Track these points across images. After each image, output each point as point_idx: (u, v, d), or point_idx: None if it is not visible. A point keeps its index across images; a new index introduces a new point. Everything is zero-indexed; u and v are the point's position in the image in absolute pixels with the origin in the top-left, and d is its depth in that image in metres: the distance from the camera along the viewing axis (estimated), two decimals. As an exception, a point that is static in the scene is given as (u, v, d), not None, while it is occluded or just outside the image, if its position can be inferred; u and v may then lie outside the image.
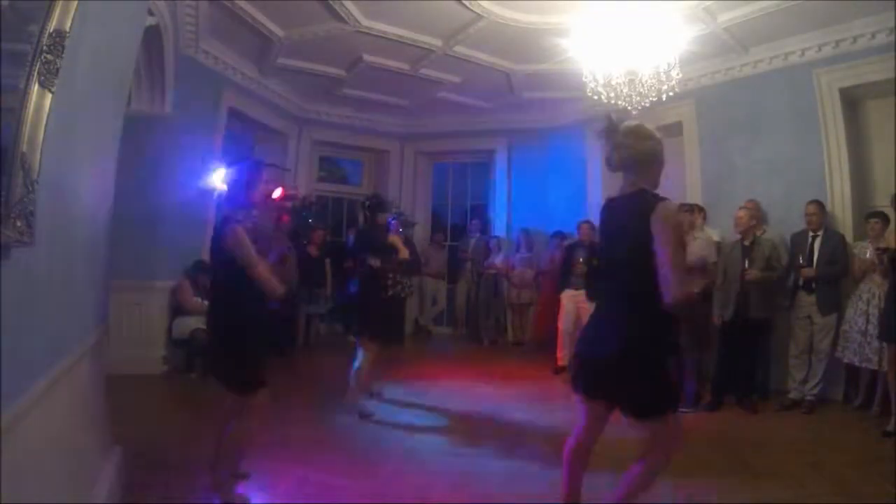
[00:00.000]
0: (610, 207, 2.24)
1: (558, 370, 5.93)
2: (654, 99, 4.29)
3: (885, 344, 3.96)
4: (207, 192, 5.84)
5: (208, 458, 2.71)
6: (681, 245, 2.09)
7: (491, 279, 7.72)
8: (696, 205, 5.38)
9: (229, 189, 2.71)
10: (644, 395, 2.00)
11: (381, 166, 8.88)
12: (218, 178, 5.55)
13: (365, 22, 5.31)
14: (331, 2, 4.91)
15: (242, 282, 2.50)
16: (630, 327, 2.01)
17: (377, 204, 4.44)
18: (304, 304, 6.84)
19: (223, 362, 2.66)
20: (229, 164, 2.81)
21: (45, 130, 1.36)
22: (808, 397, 4.53)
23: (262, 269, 2.53)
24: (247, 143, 7.34)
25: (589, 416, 2.24)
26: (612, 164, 2.19)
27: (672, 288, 1.89)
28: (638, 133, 2.14)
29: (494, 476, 3.11)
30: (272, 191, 2.83)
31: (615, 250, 2.17)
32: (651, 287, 1.94)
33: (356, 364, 4.20)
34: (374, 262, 4.18)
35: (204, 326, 5.32)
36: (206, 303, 5.49)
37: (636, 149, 2.11)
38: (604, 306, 2.24)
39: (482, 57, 6.09)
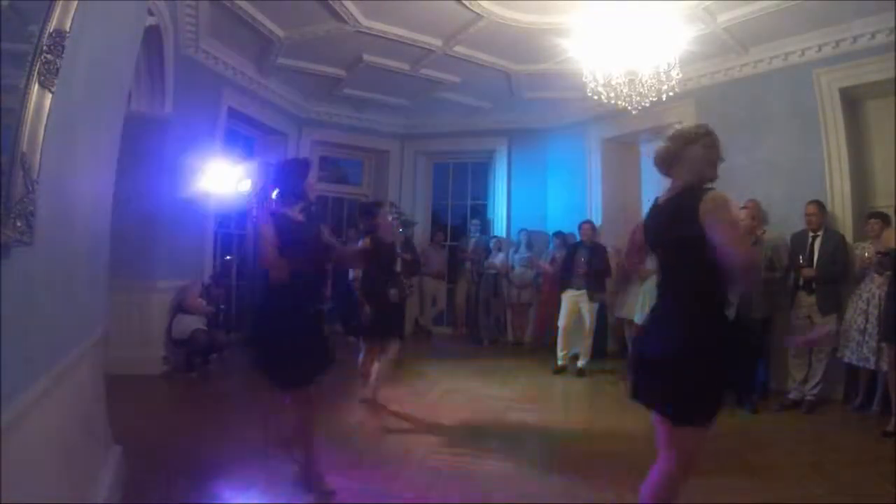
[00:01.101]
0: (655, 209, 2.20)
1: (558, 370, 5.93)
2: (654, 99, 4.29)
3: (884, 344, 3.97)
4: (208, 193, 5.85)
5: (298, 459, 2.82)
6: (736, 222, 2.07)
7: (491, 279, 7.73)
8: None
9: (282, 187, 2.80)
10: (689, 398, 1.92)
11: (381, 166, 8.87)
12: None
13: (365, 22, 5.30)
14: (331, 2, 4.91)
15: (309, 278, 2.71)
16: (688, 327, 1.95)
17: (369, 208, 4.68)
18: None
19: (282, 361, 2.64)
20: (273, 163, 2.99)
21: (45, 130, 1.36)
22: (808, 397, 4.53)
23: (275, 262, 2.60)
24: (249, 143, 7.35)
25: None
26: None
27: (738, 256, 1.83)
28: (672, 136, 2.18)
29: (494, 476, 3.11)
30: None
31: (666, 250, 2.10)
32: (708, 285, 1.95)
33: (379, 360, 4.39)
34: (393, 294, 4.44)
35: (203, 327, 5.37)
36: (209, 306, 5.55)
37: (669, 150, 2.13)
38: (662, 307, 2.12)
39: (482, 57, 6.08)
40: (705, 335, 1.94)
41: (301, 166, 2.87)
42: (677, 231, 2.00)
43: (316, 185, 2.97)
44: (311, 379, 2.74)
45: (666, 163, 2.14)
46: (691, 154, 2.08)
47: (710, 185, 2.06)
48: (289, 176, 2.81)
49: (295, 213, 2.76)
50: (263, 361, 2.73)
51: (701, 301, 1.97)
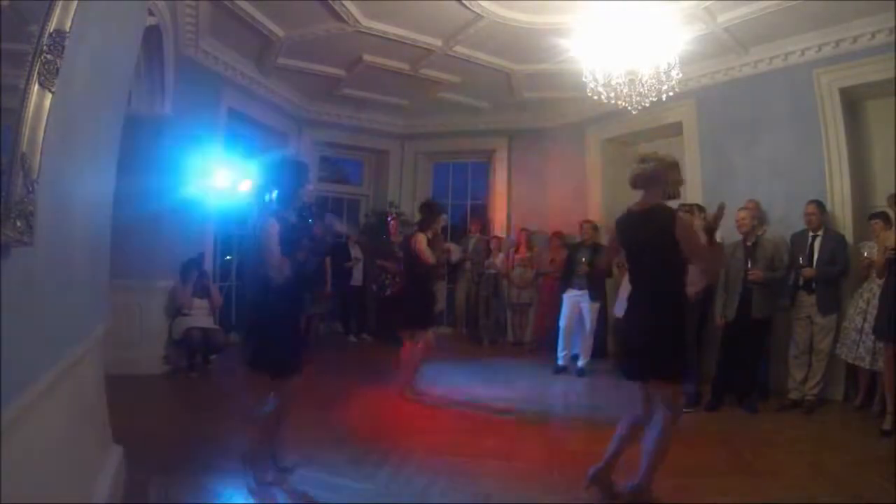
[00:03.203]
0: (629, 220, 2.77)
1: (558, 370, 5.93)
2: (654, 99, 4.29)
3: (880, 343, 3.97)
4: (208, 192, 5.84)
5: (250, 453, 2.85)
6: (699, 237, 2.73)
7: (491, 279, 7.72)
8: (696, 205, 5.36)
9: (279, 188, 2.85)
10: (674, 362, 2.60)
11: (381, 166, 8.87)
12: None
13: (365, 22, 5.30)
14: (331, 2, 4.90)
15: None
16: (663, 316, 2.58)
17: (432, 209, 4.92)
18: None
19: (264, 349, 2.76)
20: (269, 164, 3.06)
21: (45, 130, 1.36)
22: (808, 397, 4.53)
23: (278, 262, 2.68)
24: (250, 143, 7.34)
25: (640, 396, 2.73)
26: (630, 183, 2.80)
27: (710, 266, 3.11)
28: (641, 157, 2.75)
29: (494, 476, 3.11)
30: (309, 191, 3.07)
31: (644, 257, 2.68)
32: (675, 285, 2.66)
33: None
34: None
35: (200, 326, 5.35)
36: (203, 300, 5.54)
37: (637, 170, 2.71)
38: (639, 303, 2.72)
39: (482, 57, 6.08)
40: (681, 314, 2.69)
41: (300, 171, 2.95)
42: (656, 242, 2.60)
43: (311, 189, 3.08)
44: (295, 369, 2.81)
45: (646, 182, 2.70)
46: (670, 178, 2.71)
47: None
48: (285, 179, 2.88)
49: (290, 214, 2.85)
50: (255, 351, 2.85)
51: (667, 296, 2.65)
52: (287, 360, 2.78)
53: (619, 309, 6.07)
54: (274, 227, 2.69)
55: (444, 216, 5.16)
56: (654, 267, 2.63)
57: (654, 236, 2.61)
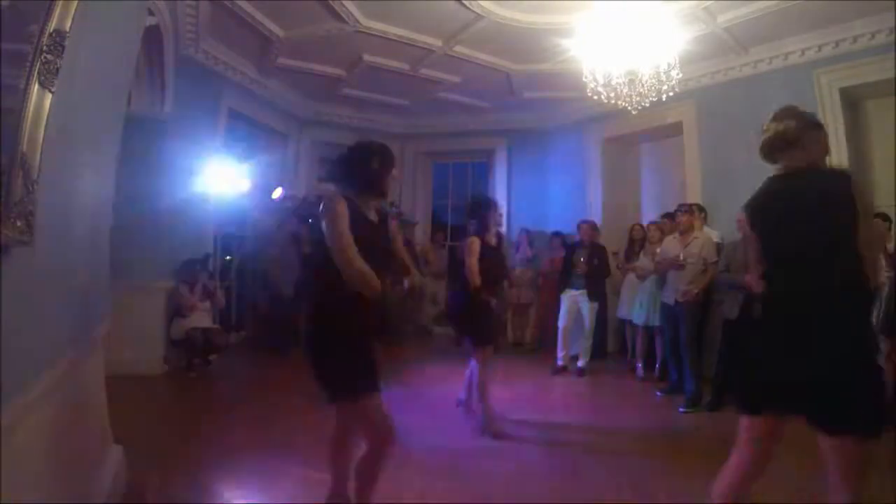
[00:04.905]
0: (768, 195, 2.02)
1: (558, 370, 5.93)
2: (654, 99, 4.29)
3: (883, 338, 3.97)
4: (208, 193, 5.85)
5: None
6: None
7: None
8: (696, 204, 5.38)
9: (356, 175, 2.29)
10: (864, 403, 1.71)
11: (381, 166, 8.87)
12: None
13: (365, 22, 5.30)
14: (331, 2, 4.90)
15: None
16: (846, 326, 1.73)
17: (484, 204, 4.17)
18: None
19: (325, 363, 2.20)
20: (349, 150, 2.37)
21: (45, 130, 1.36)
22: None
23: (354, 252, 2.08)
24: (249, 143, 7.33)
25: (760, 440, 2.03)
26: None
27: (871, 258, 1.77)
28: (773, 116, 2.06)
29: (494, 476, 3.11)
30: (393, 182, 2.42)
31: (803, 239, 1.84)
32: (858, 277, 1.73)
33: (475, 378, 4.09)
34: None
35: (200, 326, 5.35)
36: (206, 302, 5.54)
37: (770, 132, 2.02)
38: (797, 308, 1.84)
39: (482, 57, 6.08)
40: (869, 329, 1.81)
41: (386, 156, 2.35)
42: (827, 215, 1.80)
43: (397, 175, 2.44)
44: (361, 390, 2.27)
45: (788, 143, 1.98)
46: (819, 138, 2.03)
47: None
48: (369, 165, 2.28)
49: (370, 211, 2.31)
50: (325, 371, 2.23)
51: (849, 296, 1.75)
52: (363, 372, 2.26)
53: (621, 311, 6.12)
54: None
55: (499, 210, 4.34)
56: (820, 251, 1.78)
57: (818, 206, 1.82)
